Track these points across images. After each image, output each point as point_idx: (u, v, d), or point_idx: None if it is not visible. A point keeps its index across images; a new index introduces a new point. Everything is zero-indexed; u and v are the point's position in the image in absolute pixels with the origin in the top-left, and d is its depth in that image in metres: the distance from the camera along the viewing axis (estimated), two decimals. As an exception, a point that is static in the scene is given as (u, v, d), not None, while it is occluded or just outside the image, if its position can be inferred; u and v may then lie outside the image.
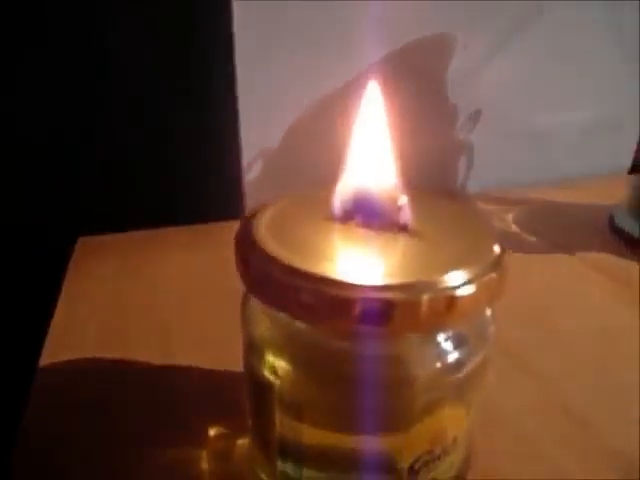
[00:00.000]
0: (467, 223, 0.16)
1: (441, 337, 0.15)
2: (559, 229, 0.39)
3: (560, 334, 0.27)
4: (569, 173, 0.47)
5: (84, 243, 0.36)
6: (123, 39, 0.33)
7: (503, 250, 0.15)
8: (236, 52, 0.35)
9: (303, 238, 0.15)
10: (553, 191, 0.44)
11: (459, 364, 0.15)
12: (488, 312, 0.16)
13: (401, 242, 0.15)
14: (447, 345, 0.15)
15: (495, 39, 0.42)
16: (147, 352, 0.26)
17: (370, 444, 0.15)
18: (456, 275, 0.13)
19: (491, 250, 0.15)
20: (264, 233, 0.15)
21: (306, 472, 0.16)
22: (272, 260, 0.14)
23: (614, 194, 0.41)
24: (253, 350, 0.17)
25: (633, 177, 0.40)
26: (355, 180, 0.16)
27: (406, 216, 0.16)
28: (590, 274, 0.33)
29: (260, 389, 0.16)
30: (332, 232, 0.16)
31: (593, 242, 0.37)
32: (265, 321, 0.16)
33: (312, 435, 0.15)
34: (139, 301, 0.30)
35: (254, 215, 0.16)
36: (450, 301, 0.13)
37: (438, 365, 0.15)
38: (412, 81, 0.41)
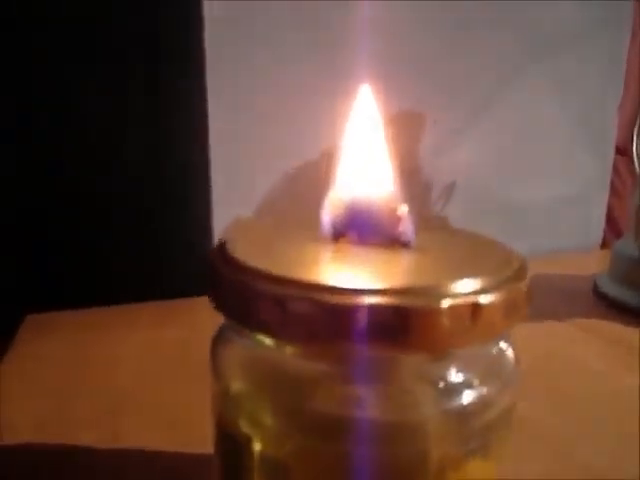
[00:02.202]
0: (476, 240, 0.14)
1: (458, 368, 0.12)
2: (544, 298, 0.37)
3: (567, 398, 0.25)
4: (541, 246, 0.47)
5: (32, 321, 0.32)
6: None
7: (524, 263, 0.13)
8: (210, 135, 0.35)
9: (286, 254, 0.13)
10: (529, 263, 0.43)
11: (482, 404, 0.12)
12: (510, 351, 0.14)
13: (405, 258, 0.13)
14: (466, 380, 0.12)
15: (464, 115, 0.43)
16: (91, 436, 0.21)
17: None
18: (479, 282, 0.11)
19: (511, 261, 0.13)
20: (241, 249, 0.13)
21: None
22: (252, 271, 0.11)
23: (587, 266, 0.41)
24: (226, 402, 0.13)
25: (615, 245, 0.39)
26: (346, 191, 0.14)
27: (408, 229, 0.13)
28: (583, 338, 0.32)
29: (235, 449, 0.13)
30: (322, 251, 0.13)
31: (580, 308, 0.36)
32: (243, 360, 0.13)
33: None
34: (87, 383, 0.26)
35: (229, 236, 0.14)
36: (476, 309, 0.11)
37: (457, 405, 0.12)
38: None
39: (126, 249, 0.35)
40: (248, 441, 0.12)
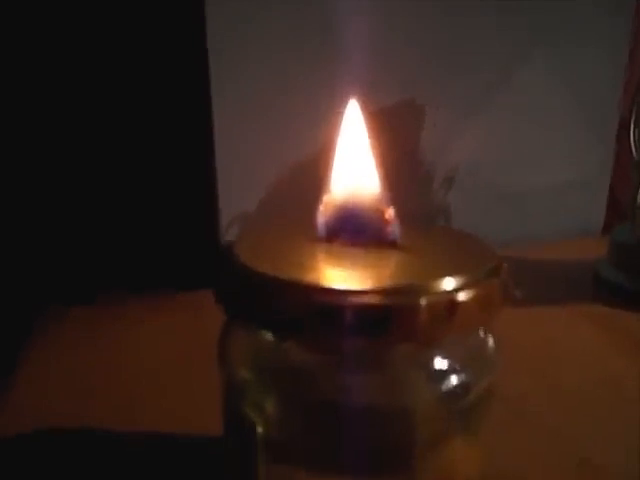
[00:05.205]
0: (458, 238, 0.15)
1: (441, 356, 0.13)
2: (543, 284, 0.38)
3: (562, 385, 0.26)
4: (543, 232, 0.48)
5: (54, 311, 0.34)
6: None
7: (500, 259, 0.14)
8: (215, 119, 0.36)
9: (286, 256, 0.14)
10: (531, 250, 0.44)
11: (464, 388, 0.13)
12: (490, 339, 0.15)
13: (391, 257, 0.14)
14: (449, 366, 0.13)
15: (465, 103, 0.43)
16: (113, 422, 0.23)
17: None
18: (455, 280, 0.12)
19: (488, 259, 0.14)
20: (245, 251, 0.14)
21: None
22: (253, 273, 0.13)
23: (589, 251, 0.41)
24: (233, 389, 0.15)
25: (614, 231, 0.40)
26: (339, 197, 0.15)
27: (395, 230, 0.15)
28: (580, 324, 0.33)
29: (242, 433, 0.14)
30: (317, 251, 0.15)
31: (579, 295, 0.37)
32: (247, 352, 0.14)
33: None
34: (107, 371, 0.27)
35: (235, 240, 0.15)
36: (451, 305, 0.12)
37: (441, 389, 0.13)
38: (387, 144, 0.42)
39: (137, 243, 0.37)
40: (252, 425, 0.14)
